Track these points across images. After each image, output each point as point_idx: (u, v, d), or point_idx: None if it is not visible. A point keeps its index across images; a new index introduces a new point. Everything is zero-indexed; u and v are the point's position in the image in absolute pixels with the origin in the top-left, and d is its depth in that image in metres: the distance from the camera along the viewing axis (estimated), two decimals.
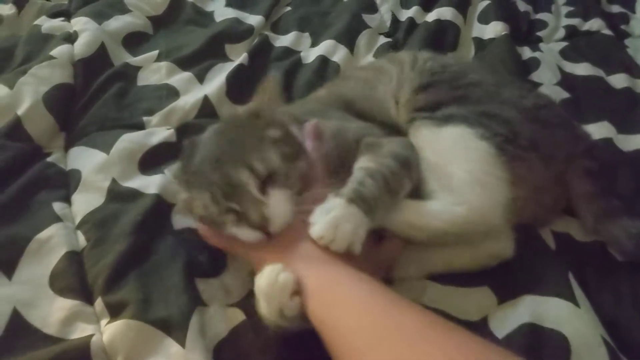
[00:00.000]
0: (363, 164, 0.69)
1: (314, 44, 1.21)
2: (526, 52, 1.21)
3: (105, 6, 1.23)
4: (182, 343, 0.63)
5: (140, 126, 0.96)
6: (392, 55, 1.00)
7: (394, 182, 0.67)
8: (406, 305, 0.53)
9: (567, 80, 1.11)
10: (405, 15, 1.31)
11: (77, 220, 0.79)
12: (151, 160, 0.88)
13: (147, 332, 0.64)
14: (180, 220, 0.79)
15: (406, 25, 1.26)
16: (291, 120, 0.73)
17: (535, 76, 1.12)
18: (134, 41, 1.17)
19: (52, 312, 0.67)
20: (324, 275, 0.58)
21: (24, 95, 0.95)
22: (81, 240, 0.76)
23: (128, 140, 0.89)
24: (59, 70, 1.01)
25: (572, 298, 0.67)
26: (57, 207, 0.81)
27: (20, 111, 0.93)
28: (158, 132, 0.93)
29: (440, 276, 0.72)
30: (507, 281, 0.71)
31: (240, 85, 1.06)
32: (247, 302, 0.70)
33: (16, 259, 0.73)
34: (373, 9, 1.33)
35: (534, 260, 0.73)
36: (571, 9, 1.37)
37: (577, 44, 1.23)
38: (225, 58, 1.15)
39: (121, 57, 1.12)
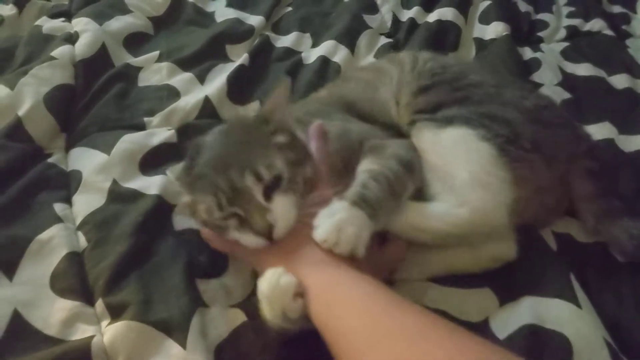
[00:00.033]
0: (366, 166, 0.69)
1: (314, 44, 1.21)
2: (527, 53, 1.21)
3: (106, 7, 1.23)
4: (183, 344, 0.63)
5: (141, 127, 0.96)
6: (393, 55, 1.00)
7: (397, 185, 0.68)
8: (407, 306, 0.53)
9: (568, 81, 1.11)
10: (406, 15, 1.31)
11: (78, 221, 0.79)
12: (152, 161, 0.88)
13: (148, 333, 0.64)
14: (181, 221, 0.79)
15: (407, 26, 1.26)
16: (296, 123, 0.73)
17: (536, 77, 1.12)
18: (134, 42, 1.17)
19: (53, 313, 0.67)
20: (327, 277, 0.58)
21: (25, 96, 0.95)
22: (82, 241, 0.76)
23: (129, 141, 0.89)
24: (59, 71, 1.01)
25: (573, 299, 0.67)
26: (58, 207, 0.81)
27: (21, 112, 0.93)
28: (159, 133, 0.93)
29: (441, 277, 0.72)
30: (508, 282, 0.71)
31: (241, 86, 1.06)
32: (248, 303, 0.70)
33: (17, 259, 0.73)
34: (374, 9, 1.33)
35: (535, 261, 0.73)
36: (572, 9, 1.36)
37: (578, 45, 1.23)
38: (226, 58, 1.15)
39: (122, 57, 1.12)
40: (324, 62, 1.14)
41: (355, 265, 0.59)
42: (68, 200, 0.83)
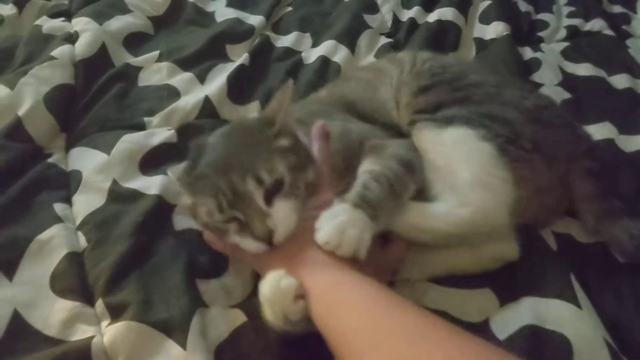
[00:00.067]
0: (367, 167, 0.69)
1: (315, 44, 1.21)
2: (527, 53, 1.21)
3: (106, 6, 1.23)
4: (183, 345, 0.63)
5: (141, 127, 0.96)
6: (392, 55, 1.00)
7: (399, 185, 0.68)
8: (408, 307, 0.53)
9: (568, 81, 1.11)
10: (406, 15, 1.31)
11: (78, 221, 0.79)
12: (152, 161, 0.88)
13: (148, 333, 0.64)
14: (181, 221, 0.79)
15: (407, 26, 1.26)
16: (297, 124, 0.73)
17: (537, 77, 1.12)
18: (134, 41, 1.17)
19: (53, 314, 0.67)
20: (328, 279, 0.59)
21: (25, 96, 0.95)
22: (82, 241, 0.76)
23: (129, 141, 0.89)
24: (59, 71, 1.01)
25: (573, 299, 0.67)
26: (58, 207, 0.81)
27: (21, 112, 0.92)
28: (159, 133, 0.93)
29: (441, 278, 0.72)
30: (508, 283, 0.71)
31: (241, 86, 1.06)
32: (249, 303, 0.70)
33: (17, 260, 0.73)
34: (374, 9, 1.33)
35: (536, 261, 0.73)
36: (572, 9, 1.36)
37: (579, 45, 1.23)
38: (226, 58, 1.15)
39: (122, 57, 1.12)
40: (324, 62, 1.13)
41: (356, 267, 0.59)
42: (68, 200, 0.83)
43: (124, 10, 1.24)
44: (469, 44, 1.24)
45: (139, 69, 1.09)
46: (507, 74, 1.07)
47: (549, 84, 1.10)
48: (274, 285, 0.57)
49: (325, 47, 1.17)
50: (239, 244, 0.65)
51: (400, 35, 1.25)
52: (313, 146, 0.72)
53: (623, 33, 1.29)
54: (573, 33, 1.28)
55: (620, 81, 1.11)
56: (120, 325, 0.64)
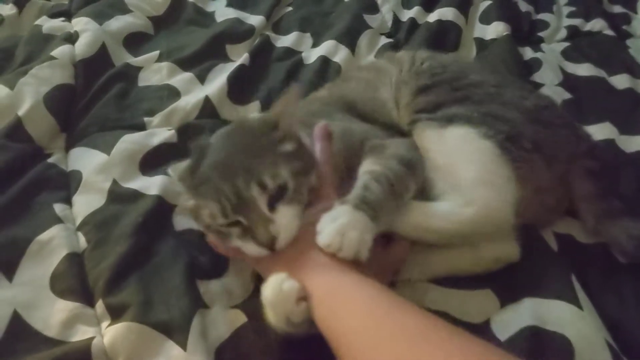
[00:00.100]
0: (367, 167, 0.69)
1: (315, 44, 1.21)
2: (528, 53, 1.20)
3: (106, 6, 1.23)
4: (184, 346, 0.63)
5: (141, 127, 0.96)
6: (392, 54, 1.00)
7: (399, 185, 0.67)
8: (409, 308, 0.53)
9: (569, 81, 1.11)
10: (406, 15, 1.31)
11: (78, 221, 0.79)
12: (152, 161, 0.88)
13: (148, 334, 0.64)
14: (182, 222, 0.79)
15: (407, 26, 1.26)
16: (299, 125, 0.72)
17: (537, 77, 1.12)
18: (134, 41, 1.17)
19: (53, 314, 0.67)
20: (330, 281, 0.59)
21: (25, 96, 0.95)
22: (82, 241, 0.76)
23: (129, 141, 0.89)
24: (59, 71, 1.01)
25: (574, 300, 0.67)
26: (58, 208, 0.81)
27: (20, 112, 0.92)
28: (159, 133, 0.93)
29: (442, 279, 0.72)
30: (509, 283, 0.71)
31: (242, 86, 1.06)
32: (249, 303, 0.70)
33: (17, 260, 0.73)
34: (374, 9, 1.33)
35: (536, 262, 0.73)
36: (573, 9, 1.36)
37: (579, 45, 1.23)
38: (226, 58, 1.15)
39: (122, 57, 1.12)
40: (325, 62, 1.13)
41: (358, 268, 0.59)
42: (68, 201, 0.83)
43: (124, 10, 1.24)
44: (470, 44, 1.24)
45: (139, 69, 1.09)
46: (508, 74, 1.07)
47: (549, 84, 1.10)
48: (276, 288, 0.58)
49: (326, 47, 1.17)
50: (241, 248, 0.65)
51: (401, 35, 1.25)
52: (315, 146, 0.72)
53: (623, 33, 1.29)
54: (573, 33, 1.28)
55: (620, 81, 1.10)
56: (120, 326, 0.64)
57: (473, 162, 0.72)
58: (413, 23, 1.27)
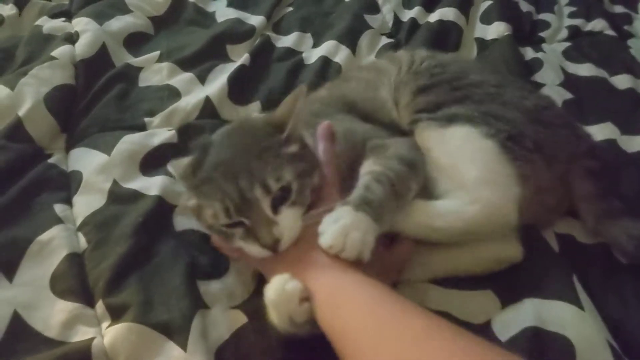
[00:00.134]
0: (369, 167, 0.69)
1: (315, 44, 1.21)
2: (529, 53, 1.20)
3: (106, 6, 1.23)
4: (184, 346, 0.63)
5: (142, 127, 0.96)
6: (391, 54, 1.00)
7: (401, 185, 0.67)
8: (412, 308, 0.54)
9: (570, 81, 1.11)
10: (407, 15, 1.30)
11: (78, 222, 0.79)
12: (152, 162, 0.87)
13: (148, 335, 0.64)
14: (182, 222, 0.79)
15: (408, 26, 1.26)
16: (303, 126, 0.72)
17: (538, 77, 1.12)
18: (135, 42, 1.17)
19: (53, 315, 0.67)
20: (332, 281, 0.59)
21: (25, 96, 0.94)
22: (82, 242, 0.76)
23: (129, 142, 0.89)
24: (60, 71, 1.01)
25: (576, 301, 0.66)
26: (58, 208, 0.81)
27: (21, 112, 0.92)
28: (159, 133, 0.93)
29: (443, 279, 0.72)
30: (510, 284, 0.70)
31: (242, 86, 1.06)
32: (250, 304, 0.70)
33: (17, 261, 0.73)
34: (375, 9, 1.33)
35: (537, 262, 0.73)
36: (574, 9, 1.36)
37: (580, 45, 1.23)
38: (226, 59, 1.15)
39: (122, 57, 1.11)
40: (325, 62, 1.13)
41: (361, 268, 0.59)
42: (68, 201, 0.83)
43: (125, 10, 1.23)
44: (470, 44, 1.24)
45: (139, 69, 1.08)
46: (508, 74, 1.07)
47: (550, 84, 1.09)
48: (279, 288, 0.58)
49: (326, 47, 1.17)
50: (244, 249, 0.65)
51: (402, 35, 1.25)
52: (318, 146, 0.72)
53: (624, 33, 1.29)
54: (574, 33, 1.28)
55: (621, 81, 1.10)
56: (120, 326, 0.64)
57: (475, 162, 0.72)
58: (414, 23, 1.26)
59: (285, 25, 1.28)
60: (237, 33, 1.21)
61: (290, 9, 1.33)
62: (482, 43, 1.23)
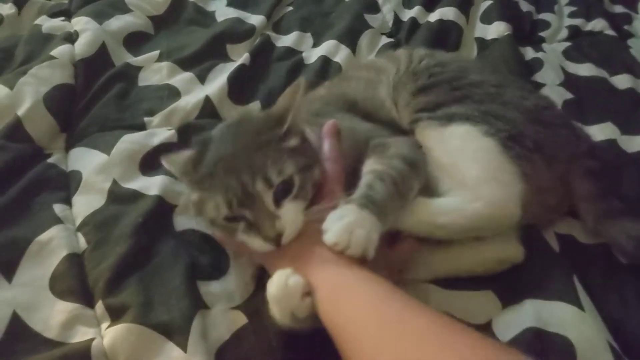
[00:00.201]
0: (371, 166, 0.69)
1: (315, 44, 1.21)
2: (529, 53, 1.20)
3: (106, 6, 1.23)
4: (184, 347, 0.63)
5: (141, 127, 0.96)
6: (391, 53, 1.00)
7: (403, 184, 0.67)
8: (417, 306, 0.53)
9: (570, 81, 1.10)
10: (407, 15, 1.30)
11: (78, 222, 0.79)
12: (152, 161, 0.87)
13: (148, 336, 0.64)
14: (182, 222, 0.79)
15: (408, 25, 1.26)
16: (305, 124, 0.72)
17: (539, 77, 1.12)
18: (135, 41, 1.17)
19: (53, 316, 0.67)
20: (335, 277, 0.59)
21: (25, 96, 0.94)
22: (82, 242, 0.76)
23: (129, 141, 0.89)
24: (59, 71, 1.01)
25: (576, 302, 0.66)
26: (58, 208, 0.80)
27: (20, 112, 0.92)
28: (159, 133, 0.93)
29: (444, 280, 0.72)
30: (510, 285, 0.70)
31: (242, 86, 1.06)
32: (250, 304, 0.70)
33: (16, 261, 0.73)
34: (375, 8, 1.33)
35: (538, 263, 0.73)
36: (574, 9, 1.36)
37: (580, 45, 1.23)
38: (226, 58, 1.15)
39: (122, 57, 1.11)
40: (325, 62, 1.13)
41: (365, 265, 0.59)
42: (68, 201, 0.83)
43: (124, 9, 1.23)
44: (471, 44, 1.24)
45: (139, 68, 1.08)
46: (508, 74, 1.07)
47: (550, 84, 1.09)
48: (281, 283, 0.58)
49: (326, 47, 1.16)
50: (246, 243, 0.65)
51: (402, 35, 1.25)
52: (324, 144, 0.72)
53: (625, 33, 1.29)
54: (574, 33, 1.28)
55: (622, 81, 1.10)
56: (120, 327, 0.64)
57: (477, 160, 0.72)
58: (414, 23, 1.26)
59: (285, 24, 1.28)
60: (237, 32, 1.21)
61: (291, 8, 1.33)
62: (482, 43, 1.23)
